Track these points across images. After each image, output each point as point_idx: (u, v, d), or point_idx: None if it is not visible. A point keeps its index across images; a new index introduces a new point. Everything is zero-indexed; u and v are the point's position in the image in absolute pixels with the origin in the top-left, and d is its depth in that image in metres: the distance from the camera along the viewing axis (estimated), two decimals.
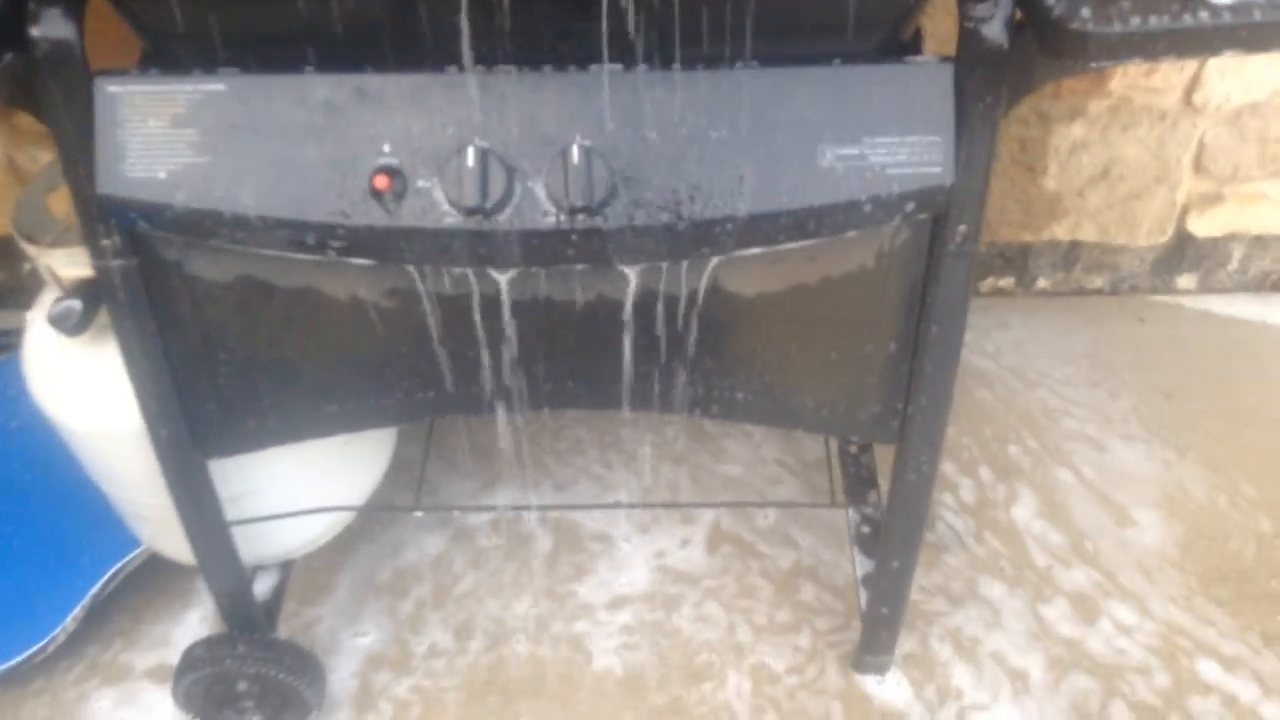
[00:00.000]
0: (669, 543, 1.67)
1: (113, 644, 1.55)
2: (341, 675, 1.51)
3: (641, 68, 0.94)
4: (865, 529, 1.55)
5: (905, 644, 1.53)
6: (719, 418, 1.20)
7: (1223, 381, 1.90)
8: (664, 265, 1.03)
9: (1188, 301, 2.04)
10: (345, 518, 1.47)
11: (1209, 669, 1.51)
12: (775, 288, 1.09)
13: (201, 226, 0.96)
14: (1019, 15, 0.90)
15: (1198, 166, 1.85)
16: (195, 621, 1.57)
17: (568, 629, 1.56)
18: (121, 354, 1.09)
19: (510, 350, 1.12)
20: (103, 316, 1.10)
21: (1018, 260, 1.98)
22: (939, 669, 1.52)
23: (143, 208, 0.96)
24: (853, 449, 1.62)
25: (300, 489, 1.36)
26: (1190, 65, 1.70)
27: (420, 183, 0.94)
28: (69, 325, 1.11)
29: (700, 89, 0.94)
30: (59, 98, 0.93)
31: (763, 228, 0.97)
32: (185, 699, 1.40)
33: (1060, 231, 1.92)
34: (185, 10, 0.91)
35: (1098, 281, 2.02)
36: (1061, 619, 1.57)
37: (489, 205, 0.93)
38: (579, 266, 1.01)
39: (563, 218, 0.95)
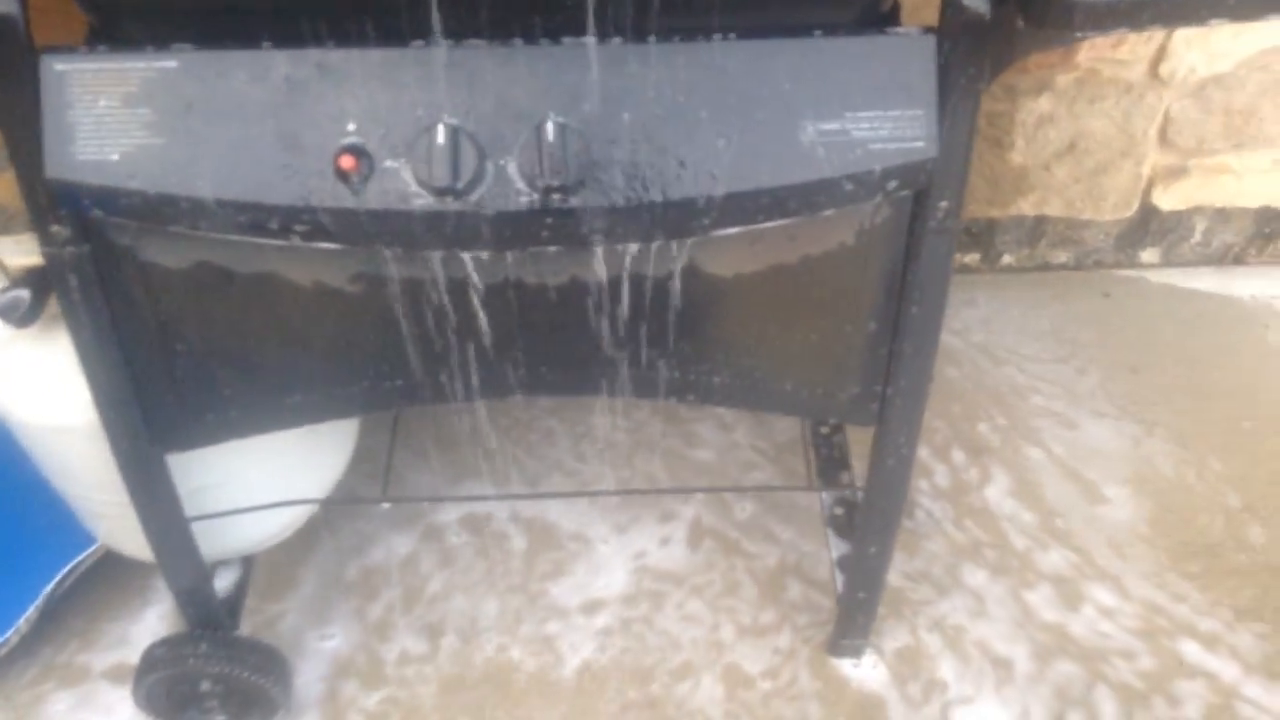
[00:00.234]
0: (648, 542, 1.63)
1: (68, 645, 1.50)
2: (308, 679, 1.47)
3: (617, 40, 0.91)
4: (839, 510, 1.53)
5: (896, 636, 1.52)
6: (696, 402, 1.17)
7: (1188, 356, 1.90)
8: (641, 246, 1.00)
9: (1152, 275, 2.04)
10: (309, 509, 1.43)
11: (1189, 648, 1.51)
12: (753, 268, 1.06)
13: (157, 211, 0.92)
14: None
15: (1163, 139, 1.84)
16: (154, 619, 1.53)
17: (542, 632, 1.53)
18: (74, 345, 1.04)
19: (481, 336, 1.08)
20: (53, 306, 1.05)
21: (984, 236, 1.97)
22: (921, 657, 1.50)
23: (94, 192, 0.91)
24: (824, 429, 1.60)
25: (262, 482, 1.32)
26: (1157, 36, 1.69)
27: (388, 163, 0.90)
28: (17, 316, 1.07)
29: (678, 62, 0.91)
30: (2, 77, 0.88)
31: (744, 206, 0.94)
32: (146, 700, 1.36)
33: (1027, 207, 1.91)
34: None
35: (1062, 256, 2.02)
36: (1044, 603, 1.56)
37: (460, 185, 0.90)
38: (553, 248, 0.98)
39: (537, 197, 0.91)
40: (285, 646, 1.45)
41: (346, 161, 0.89)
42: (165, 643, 1.33)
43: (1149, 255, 2.03)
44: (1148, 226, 1.98)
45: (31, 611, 1.43)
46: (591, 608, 1.55)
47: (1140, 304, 1.99)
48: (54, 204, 0.93)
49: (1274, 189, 1.93)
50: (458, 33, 0.90)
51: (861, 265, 1.06)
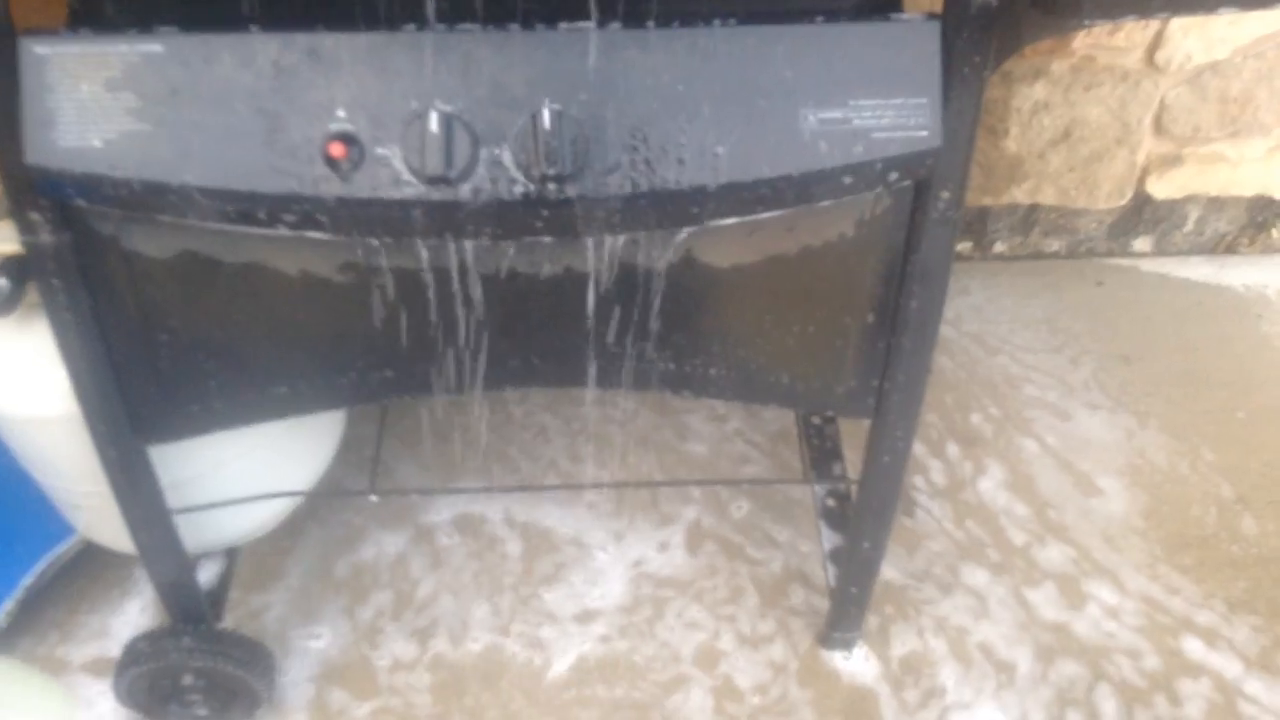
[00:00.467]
0: (646, 548, 1.60)
1: (48, 636, 1.48)
2: (295, 678, 1.44)
3: (614, 26, 0.88)
4: (831, 502, 1.51)
5: (886, 630, 1.51)
6: (692, 395, 1.15)
7: (1181, 345, 1.89)
8: (637, 236, 0.98)
9: (1144, 264, 2.03)
10: (295, 500, 1.41)
11: (1190, 645, 1.50)
12: (751, 259, 1.04)
13: (141, 200, 0.89)
14: None
15: (1158, 127, 1.82)
16: (135, 612, 1.50)
17: (538, 638, 1.50)
18: (54, 335, 1.02)
19: (472, 327, 1.06)
20: (32, 295, 1.03)
21: (976, 224, 1.95)
22: (913, 651, 1.49)
23: (76, 179, 0.89)
24: (816, 420, 1.58)
25: (247, 473, 1.30)
26: (1155, 22, 1.67)
27: (379, 150, 0.88)
28: None
29: (677, 48, 0.89)
30: None
31: (743, 196, 0.92)
32: (127, 694, 1.34)
33: (1020, 195, 1.89)
34: None
35: (1055, 245, 2.00)
36: (1046, 602, 1.54)
37: (453, 174, 0.87)
38: (547, 238, 0.95)
39: (532, 187, 0.89)
40: (270, 640, 1.42)
41: (336, 149, 0.87)
42: (147, 636, 1.31)
43: (1142, 244, 2.02)
44: (1141, 215, 1.96)
45: (10, 603, 1.40)
46: (587, 616, 1.52)
47: (1133, 293, 1.98)
48: (34, 191, 0.90)
49: (1268, 177, 1.92)
50: (451, 17, 0.87)
51: (861, 257, 1.04)
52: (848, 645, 1.48)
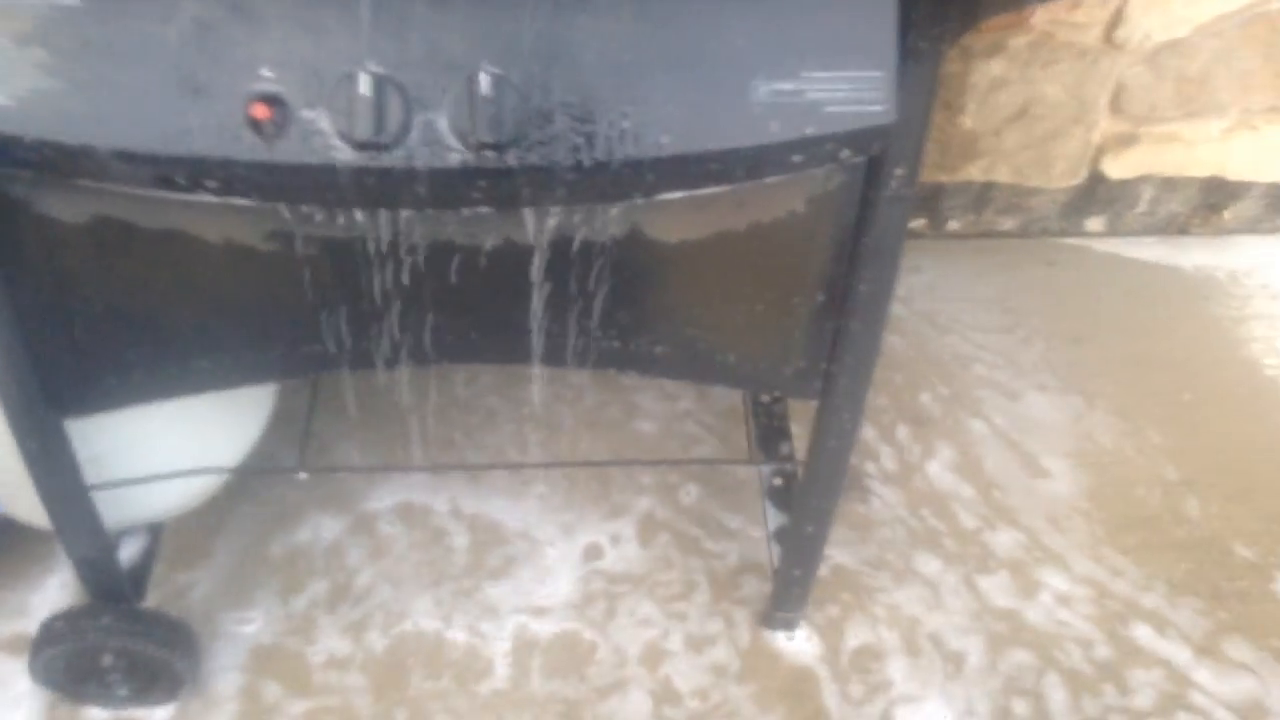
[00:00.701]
0: (600, 536, 1.56)
1: None
2: (224, 664, 1.39)
3: None
4: (778, 481, 1.49)
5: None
6: (637, 374, 1.12)
7: (1130, 326, 1.88)
8: (579, 209, 0.94)
9: (1096, 244, 2.02)
10: (223, 476, 1.36)
11: (1140, 630, 1.49)
12: (698, 234, 1.01)
13: (52, 162, 0.84)
14: None
15: (1115, 106, 1.81)
16: (55, 588, 1.45)
17: (480, 634, 1.45)
18: None
19: (405, 299, 1.01)
20: None
21: (930, 201, 1.93)
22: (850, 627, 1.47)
23: None
24: (764, 398, 1.55)
25: (170, 447, 1.25)
26: None
27: (305, 112, 0.83)
28: None
29: (624, 13, 0.84)
30: None
31: (691, 169, 0.88)
32: (44, 674, 1.29)
33: (975, 172, 1.87)
34: None
35: (1008, 224, 1.99)
36: (998, 590, 1.53)
37: (384, 139, 0.83)
38: (485, 209, 0.91)
39: (469, 155, 0.84)
40: (197, 622, 1.38)
41: (260, 110, 0.82)
42: (64, 615, 1.26)
43: (1094, 224, 2.00)
44: (1095, 195, 1.95)
45: None
46: (536, 612, 1.48)
47: (1084, 273, 1.97)
48: None
49: (1222, 158, 1.91)
50: None
51: (811, 234, 1.01)
52: (790, 625, 1.46)
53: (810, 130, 0.88)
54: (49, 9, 0.82)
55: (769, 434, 1.52)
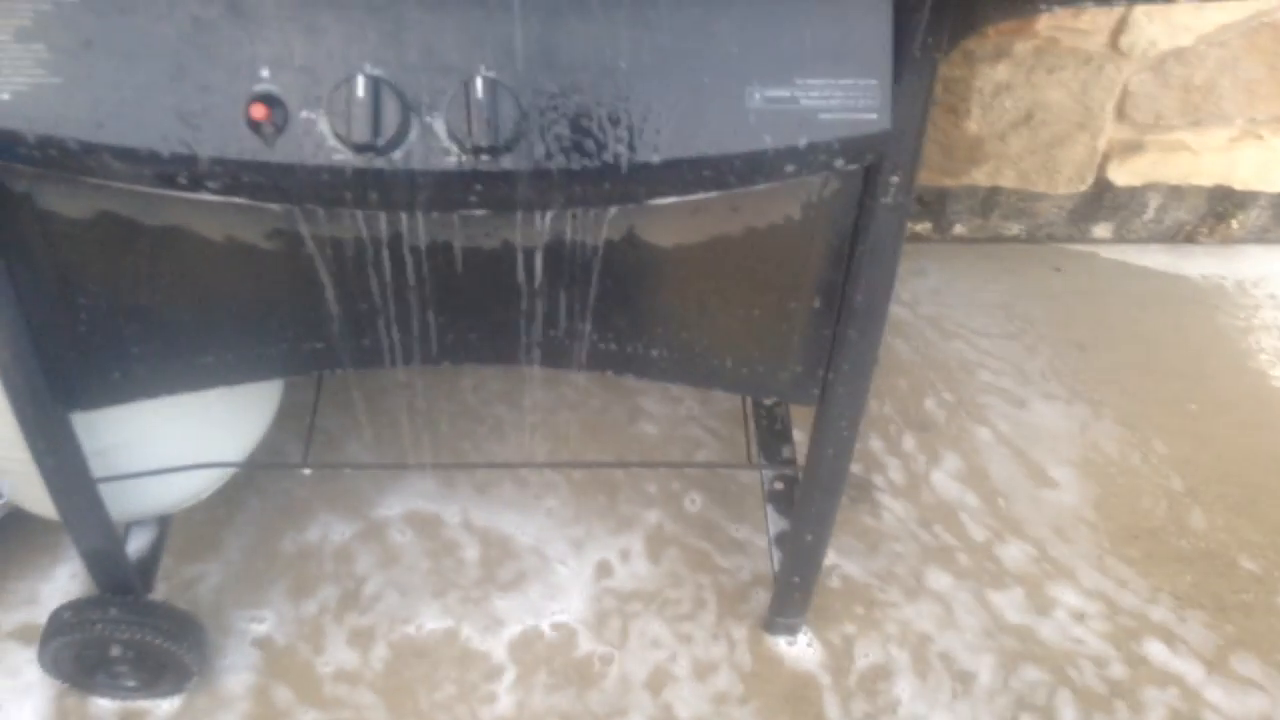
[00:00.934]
0: (609, 553, 1.55)
1: None
2: (234, 663, 1.40)
3: None
4: (779, 485, 1.49)
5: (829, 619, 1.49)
6: (634, 377, 1.13)
7: (1137, 335, 1.88)
8: (575, 212, 0.94)
9: (1103, 251, 2.02)
10: (229, 470, 1.37)
11: (1154, 647, 1.48)
12: (694, 239, 1.01)
13: (52, 158, 0.85)
14: None
15: (1120, 113, 1.81)
16: (65, 578, 1.47)
17: (486, 648, 1.45)
18: None
19: (405, 299, 1.03)
20: None
21: (935, 205, 1.93)
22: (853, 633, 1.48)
23: None
24: (766, 400, 1.55)
25: (177, 440, 1.26)
26: (1119, 7, 1.65)
27: (303, 114, 0.84)
28: None
29: (619, 18, 0.85)
30: None
31: (685, 175, 0.89)
32: (52, 664, 1.30)
33: (980, 177, 1.87)
34: None
35: (1015, 229, 1.99)
36: (1011, 606, 1.52)
37: (381, 142, 0.84)
38: (480, 212, 0.92)
39: (465, 158, 0.85)
40: (205, 615, 1.39)
41: (258, 111, 0.83)
42: (72, 606, 1.28)
43: (1101, 230, 2.00)
44: (1101, 201, 1.95)
45: None
46: (544, 626, 1.47)
47: (1091, 280, 1.97)
48: None
49: (1228, 168, 1.90)
50: None
51: (807, 240, 1.01)
52: (792, 631, 1.46)
53: (804, 137, 0.88)
54: (50, 4, 0.82)
55: (770, 438, 1.52)
